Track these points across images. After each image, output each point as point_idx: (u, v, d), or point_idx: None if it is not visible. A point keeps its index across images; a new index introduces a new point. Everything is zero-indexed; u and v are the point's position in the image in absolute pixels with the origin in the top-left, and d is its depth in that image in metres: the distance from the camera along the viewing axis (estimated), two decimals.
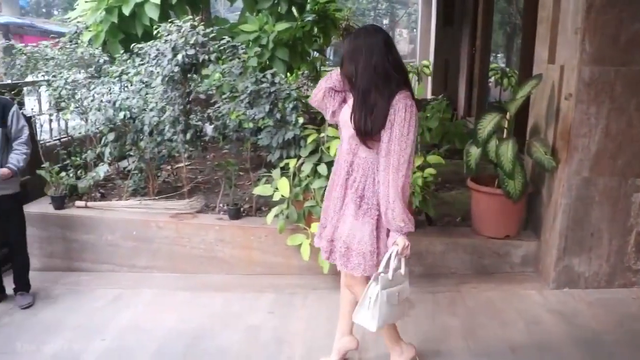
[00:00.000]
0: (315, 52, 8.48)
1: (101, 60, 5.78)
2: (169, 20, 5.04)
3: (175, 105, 4.82)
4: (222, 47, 4.98)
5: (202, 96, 5.18)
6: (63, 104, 5.39)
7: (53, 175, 5.11)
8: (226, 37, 5.19)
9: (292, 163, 4.53)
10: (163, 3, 6.08)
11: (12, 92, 5.31)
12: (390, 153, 2.68)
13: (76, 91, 5.21)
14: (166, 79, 4.76)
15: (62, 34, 7.09)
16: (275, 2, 6.63)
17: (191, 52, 4.73)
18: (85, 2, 6.68)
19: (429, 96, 11.80)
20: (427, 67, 11.41)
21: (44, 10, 37.70)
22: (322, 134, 4.56)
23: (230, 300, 4.29)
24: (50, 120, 5.91)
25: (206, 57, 4.82)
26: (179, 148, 4.94)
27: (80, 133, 5.44)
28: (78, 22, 6.79)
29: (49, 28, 20.97)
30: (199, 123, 4.95)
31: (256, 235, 4.69)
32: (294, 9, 7.02)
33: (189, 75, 4.95)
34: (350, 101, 2.87)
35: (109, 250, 4.91)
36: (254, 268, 4.73)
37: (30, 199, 5.18)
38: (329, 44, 8.47)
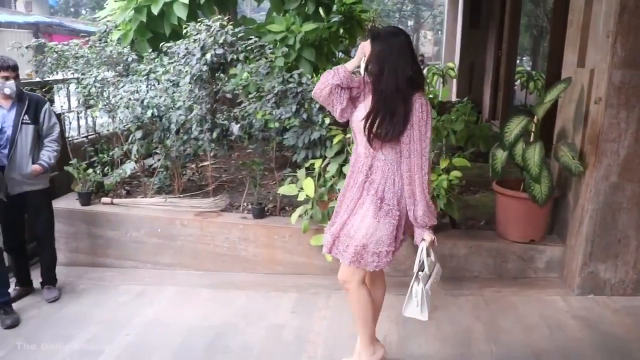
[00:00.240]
0: (340, 53, 8.47)
1: (129, 59, 5.85)
2: (198, 20, 5.08)
3: (203, 104, 4.87)
4: (249, 47, 5.01)
5: (228, 95, 5.22)
6: (92, 102, 5.46)
7: (80, 172, 5.18)
8: (253, 37, 5.22)
9: (318, 163, 4.54)
10: (191, 2, 6.14)
11: (43, 90, 5.40)
12: (412, 153, 2.74)
13: (105, 89, 5.28)
14: (194, 77, 4.81)
15: (89, 33, 7.19)
16: (303, 2, 6.65)
17: (220, 51, 4.78)
18: (115, 1, 6.76)
19: (454, 98, 11.75)
20: (452, 69, 11.35)
21: (72, 9, 38.29)
22: (348, 135, 4.56)
23: (253, 298, 4.31)
24: (79, 118, 6.00)
25: (234, 56, 4.86)
26: (205, 147, 4.97)
27: (107, 130, 5.52)
28: (107, 21, 6.88)
29: (76, 27, 21.31)
30: (225, 122, 4.99)
31: (280, 235, 4.71)
32: (320, 10, 7.03)
33: (216, 75, 4.99)
34: (362, 104, 2.89)
35: (134, 246, 4.96)
36: (276, 267, 4.75)
37: (57, 194, 5.26)
38: (355, 45, 8.45)
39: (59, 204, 5.03)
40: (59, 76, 5.83)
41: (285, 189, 4.61)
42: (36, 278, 4.49)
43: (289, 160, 5.24)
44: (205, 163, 6.01)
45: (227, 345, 3.63)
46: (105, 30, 6.69)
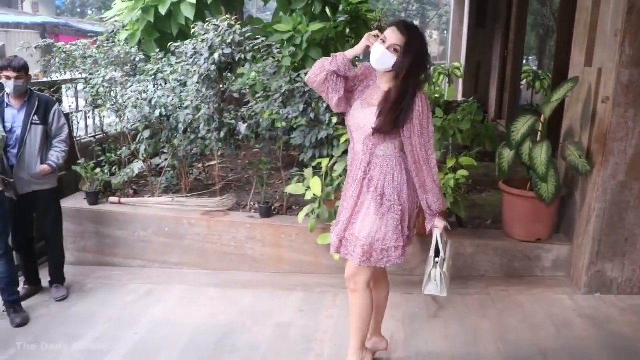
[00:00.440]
0: None
1: (137, 59, 5.87)
2: (206, 20, 5.10)
3: (210, 104, 4.88)
4: (257, 47, 5.03)
5: (235, 95, 5.24)
6: (100, 102, 5.49)
7: (88, 172, 5.20)
8: (260, 36, 5.23)
9: (325, 162, 4.55)
10: (199, 2, 6.17)
11: (52, 90, 5.43)
12: (415, 147, 2.78)
13: (113, 89, 5.30)
14: (202, 77, 4.83)
15: (97, 33, 7.22)
16: (309, 2, 6.67)
17: (227, 51, 4.79)
18: (122, 1, 6.80)
19: (460, 98, 11.73)
20: (459, 69, 11.32)
21: (78, 10, 38.40)
22: None
23: (260, 297, 4.33)
24: (87, 117, 6.03)
25: (242, 56, 4.87)
26: (212, 146, 4.99)
27: (115, 130, 5.54)
28: (115, 21, 6.91)
29: (83, 27, 21.42)
30: (233, 122, 5.01)
31: (287, 234, 4.72)
32: (327, 10, 7.04)
33: (224, 74, 5.00)
34: (359, 102, 2.89)
35: (141, 246, 4.99)
36: (283, 266, 4.76)
37: (65, 194, 5.28)
38: None
39: (67, 204, 5.05)
40: (67, 76, 5.86)
41: (293, 188, 4.62)
42: (45, 277, 4.52)
43: (296, 159, 5.25)
44: (212, 162, 6.03)
45: (234, 344, 3.65)
46: (113, 31, 6.72)
